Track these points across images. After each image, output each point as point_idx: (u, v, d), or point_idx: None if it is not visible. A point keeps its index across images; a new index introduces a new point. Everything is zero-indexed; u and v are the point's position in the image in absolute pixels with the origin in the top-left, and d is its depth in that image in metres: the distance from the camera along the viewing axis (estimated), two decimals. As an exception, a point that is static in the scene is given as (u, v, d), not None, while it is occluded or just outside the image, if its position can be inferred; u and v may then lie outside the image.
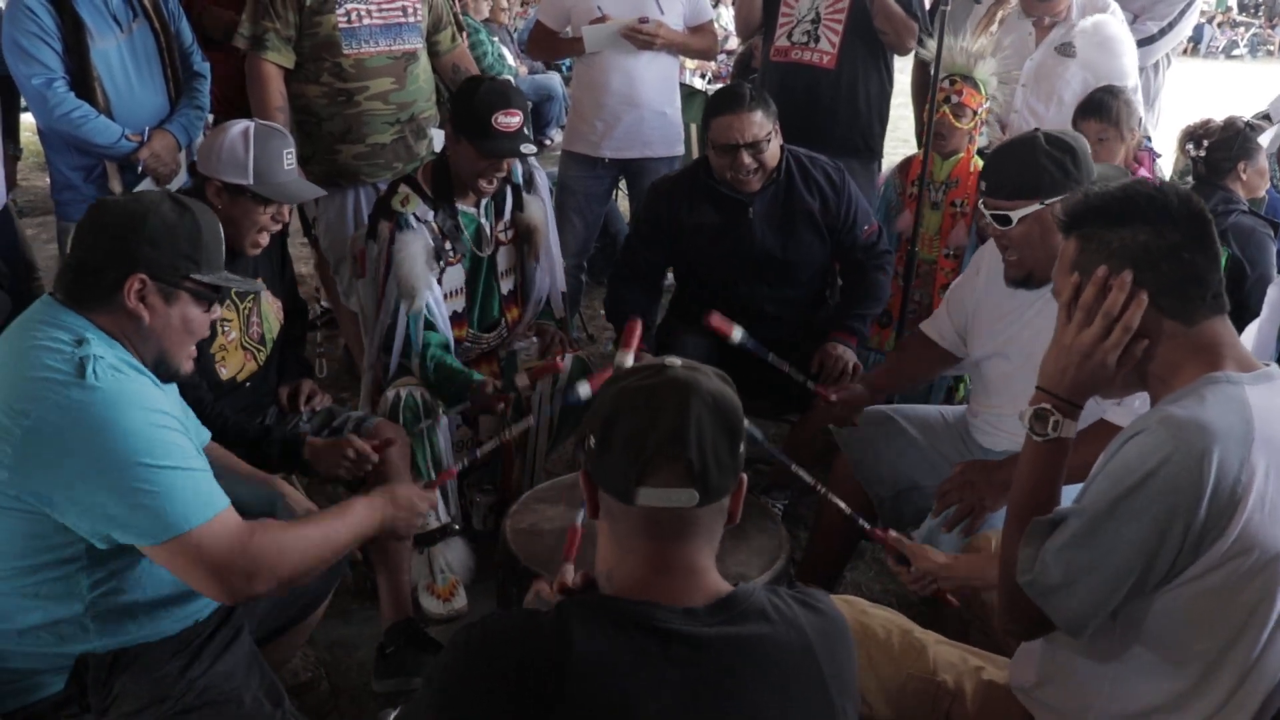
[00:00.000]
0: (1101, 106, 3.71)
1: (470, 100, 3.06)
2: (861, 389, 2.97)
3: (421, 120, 3.81)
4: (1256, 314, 3.13)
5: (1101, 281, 1.65)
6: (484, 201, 3.26)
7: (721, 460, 1.40)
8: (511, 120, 3.04)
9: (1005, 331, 2.70)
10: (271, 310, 2.95)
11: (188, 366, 2.03)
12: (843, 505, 2.54)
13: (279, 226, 2.80)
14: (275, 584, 1.89)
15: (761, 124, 3.25)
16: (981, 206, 2.56)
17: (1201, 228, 1.64)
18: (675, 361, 1.45)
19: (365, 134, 3.72)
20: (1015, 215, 2.46)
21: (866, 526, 2.43)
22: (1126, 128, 3.71)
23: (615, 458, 1.40)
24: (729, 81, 5.66)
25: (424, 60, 3.81)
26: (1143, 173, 3.83)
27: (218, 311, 2.07)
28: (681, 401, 1.39)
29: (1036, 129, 2.57)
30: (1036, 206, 2.44)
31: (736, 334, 2.77)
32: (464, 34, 4.12)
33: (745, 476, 1.47)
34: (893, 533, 2.32)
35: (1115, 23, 4.27)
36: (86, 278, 1.91)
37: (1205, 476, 1.51)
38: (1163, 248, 1.62)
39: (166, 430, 1.83)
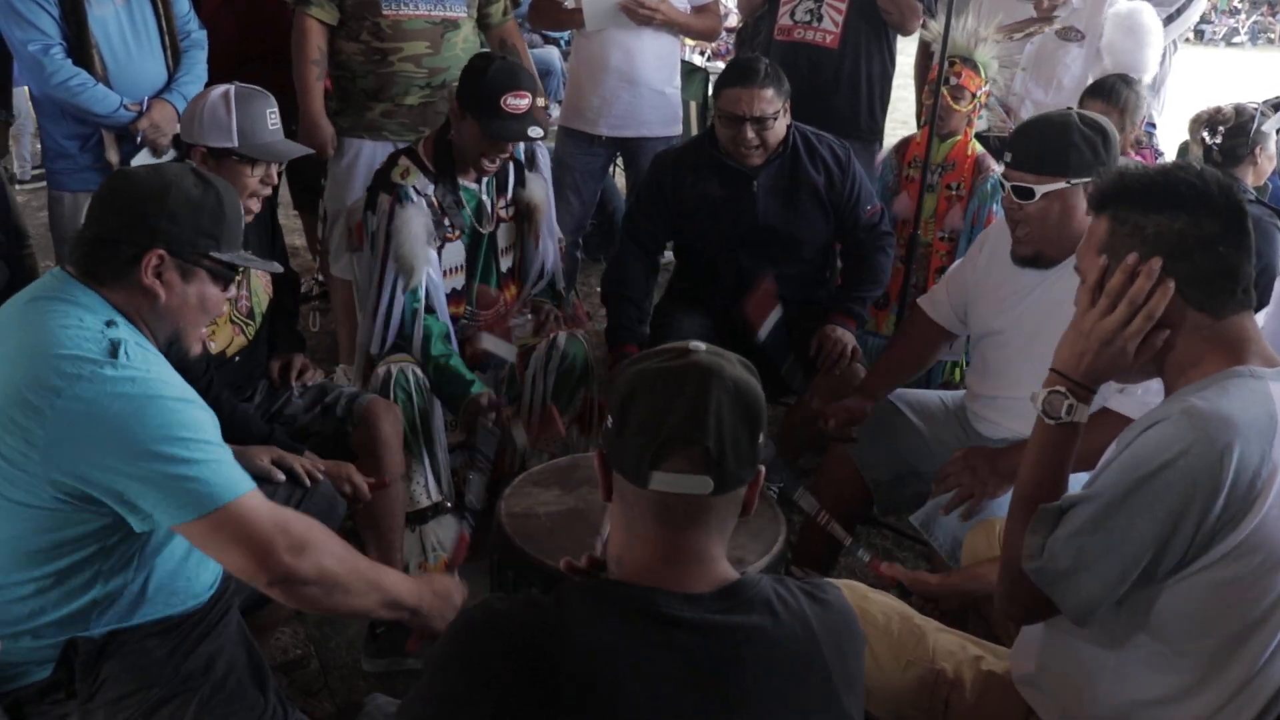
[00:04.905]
0: (1112, 91, 3.70)
1: (479, 78, 3.03)
2: (858, 403, 2.92)
3: (454, 89, 3.79)
4: (1262, 305, 3.11)
5: (1131, 269, 1.62)
6: (485, 178, 3.23)
7: (740, 449, 1.37)
8: (520, 102, 3.01)
9: (1006, 313, 2.68)
10: (261, 284, 2.92)
11: (197, 348, 1.99)
12: (842, 535, 2.56)
13: (268, 190, 2.77)
14: (317, 573, 1.79)
15: (770, 101, 3.23)
16: (1002, 177, 2.53)
17: (1240, 220, 1.61)
18: (700, 346, 1.42)
19: (394, 94, 3.75)
20: (1039, 190, 2.43)
21: (866, 558, 2.42)
22: (1129, 120, 3.70)
23: (630, 439, 1.37)
24: (729, 60, 5.62)
25: (466, 31, 3.82)
26: None
27: (234, 291, 2.02)
28: (702, 386, 1.35)
29: (1070, 108, 2.54)
30: (1063, 184, 2.41)
31: (764, 328, 2.59)
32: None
33: (763, 469, 1.44)
34: (885, 565, 2.31)
35: (1149, 12, 4.25)
36: (102, 251, 1.85)
37: (1225, 470, 1.49)
38: (1199, 238, 1.59)
39: (197, 408, 1.79)
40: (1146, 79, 4.09)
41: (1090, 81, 4.23)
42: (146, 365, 1.76)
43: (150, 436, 1.70)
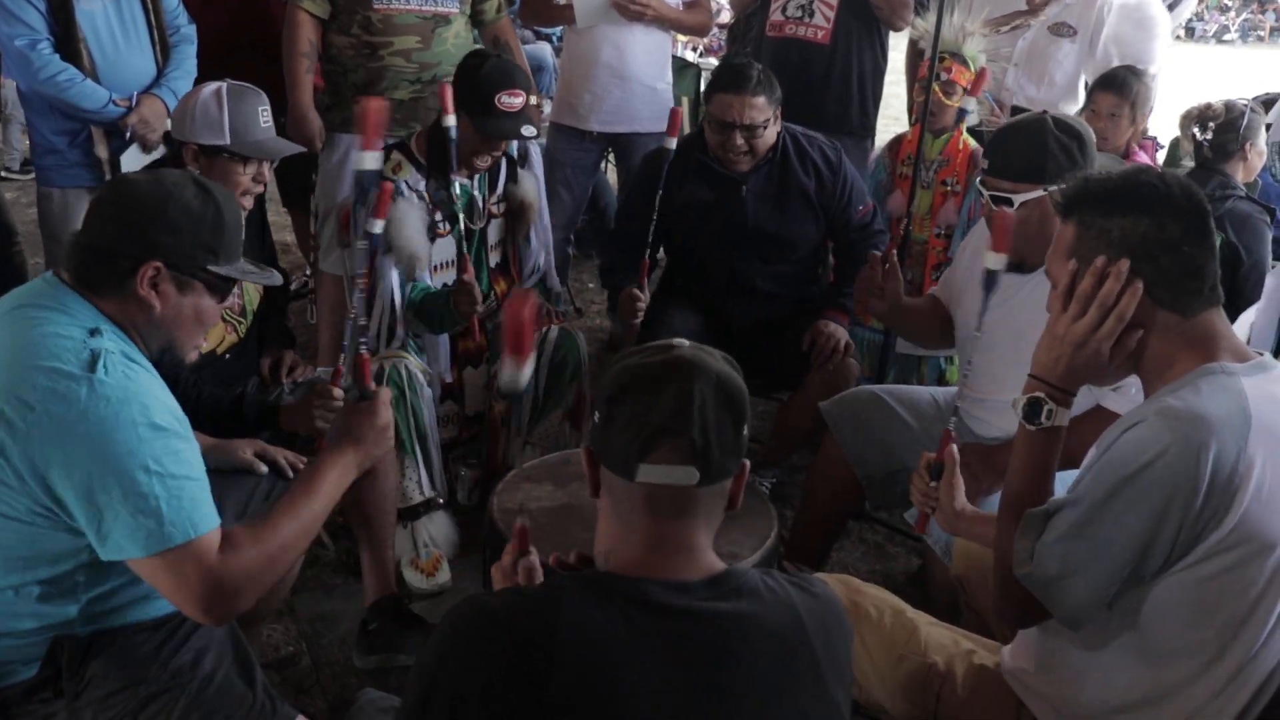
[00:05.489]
0: (1124, 84, 3.71)
1: (474, 76, 3.02)
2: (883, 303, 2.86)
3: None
4: (1252, 301, 3.13)
5: (1099, 272, 1.64)
6: (477, 174, 3.22)
7: (724, 441, 1.39)
8: (514, 101, 3.01)
9: (991, 313, 2.67)
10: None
11: (192, 356, 1.98)
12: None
13: (261, 187, 2.76)
14: (261, 590, 1.81)
15: (761, 109, 3.22)
16: (980, 185, 2.52)
17: (1202, 220, 1.63)
18: (683, 342, 1.45)
19: (384, 88, 3.73)
20: (1017, 199, 2.43)
21: (950, 430, 2.20)
22: (1140, 111, 3.71)
23: (617, 433, 1.39)
24: (721, 55, 5.62)
25: (458, 27, 3.81)
26: (1143, 157, 3.81)
27: (230, 300, 2.00)
28: (686, 379, 1.38)
29: (1044, 111, 2.54)
30: (1040, 192, 2.41)
31: None
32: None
33: (748, 463, 1.46)
34: (954, 446, 2.14)
35: (1156, 5, 4.25)
36: (99, 261, 1.83)
37: (1202, 468, 1.51)
38: (1163, 240, 1.61)
39: (173, 436, 1.76)
40: (1152, 70, 4.09)
41: (1083, 77, 4.23)
42: (125, 381, 1.73)
43: (113, 467, 1.67)
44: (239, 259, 1.97)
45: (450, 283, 3.24)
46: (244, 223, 2.69)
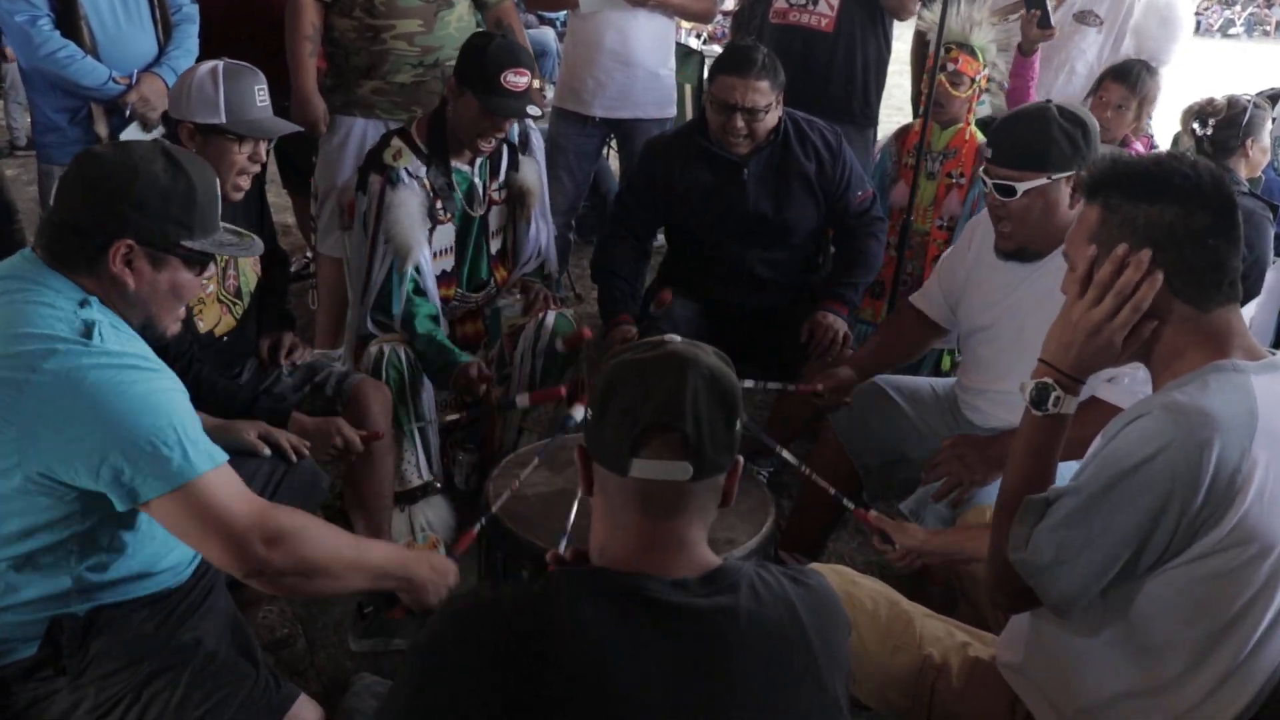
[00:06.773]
0: (1137, 78, 3.69)
1: (480, 56, 3.01)
2: (848, 372, 2.91)
3: (447, 68, 3.78)
4: (1252, 296, 3.11)
5: (1120, 260, 1.61)
6: (479, 160, 3.21)
7: (717, 435, 1.39)
8: (520, 80, 3.00)
9: (995, 306, 2.68)
10: (249, 263, 2.90)
11: (174, 329, 1.96)
12: (826, 486, 2.49)
13: (258, 167, 2.75)
14: (295, 562, 1.79)
15: (764, 93, 3.21)
16: (983, 174, 2.51)
17: (1231, 213, 1.60)
18: (674, 337, 1.46)
19: (386, 72, 3.73)
20: (1021, 187, 2.42)
21: (850, 506, 2.41)
22: (1146, 109, 3.70)
23: (610, 428, 1.39)
24: (725, 43, 5.60)
25: (461, 10, 3.80)
26: (1138, 150, 3.80)
27: (210, 272, 1.99)
28: (678, 374, 1.38)
29: (1048, 100, 2.52)
30: (1043, 180, 2.40)
31: None
32: None
33: (741, 459, 1.46)
34: (874, 513, 2.30)
35: (1184, 5, 4.21)
36: (69, 239, 1.81)
37: (1205, 466, 1.50)
38: (1189, 230, 1.58)
39: (171, 392, 1.77)
40: (1164, 69, 4.07)
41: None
42: (121, 344, 1.75)
43: (125, 409, 1.68)
44: (216, 230, 1.94)
45: (449, 270, 3.23)
46: (242, 202, 2.73)
